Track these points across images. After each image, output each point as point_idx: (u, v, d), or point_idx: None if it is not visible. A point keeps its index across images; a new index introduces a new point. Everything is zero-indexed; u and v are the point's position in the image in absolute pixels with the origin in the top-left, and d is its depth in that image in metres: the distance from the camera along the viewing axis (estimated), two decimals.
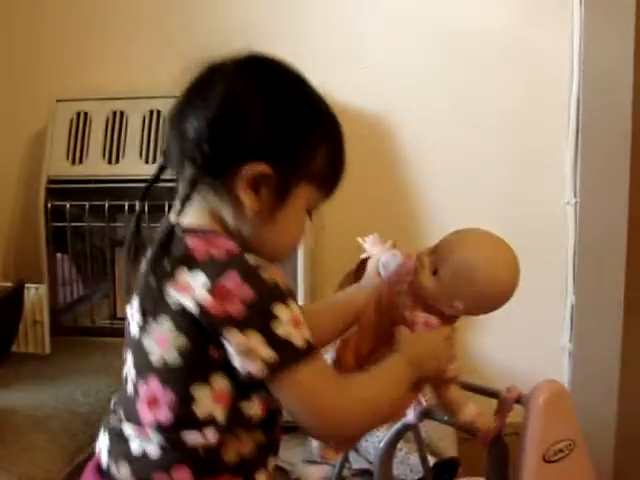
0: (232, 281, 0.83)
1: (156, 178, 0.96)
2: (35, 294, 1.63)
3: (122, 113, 1.86)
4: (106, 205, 1.80)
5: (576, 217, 1.95)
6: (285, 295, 0.86)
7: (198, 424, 0.87)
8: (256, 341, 0.82)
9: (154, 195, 1.79)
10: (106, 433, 0.93)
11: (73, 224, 1.83)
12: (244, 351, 0.83)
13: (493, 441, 1.15)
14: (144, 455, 0.88)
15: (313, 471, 1.60)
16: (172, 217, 0.89)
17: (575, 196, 1.95)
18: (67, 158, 1.85)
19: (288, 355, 0.84)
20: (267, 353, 0.82)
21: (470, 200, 1.99)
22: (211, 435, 0.87)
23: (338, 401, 0.90)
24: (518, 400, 1.14)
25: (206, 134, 0.87)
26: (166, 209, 1.70)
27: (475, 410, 1.09)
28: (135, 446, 0.88)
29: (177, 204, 0.90)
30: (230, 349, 0.83)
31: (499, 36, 1.96)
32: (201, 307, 0.82)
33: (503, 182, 1.99)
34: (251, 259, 0.86)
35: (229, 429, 0.88)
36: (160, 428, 0.87)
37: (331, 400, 0.89)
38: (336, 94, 1.97)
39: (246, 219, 0.89)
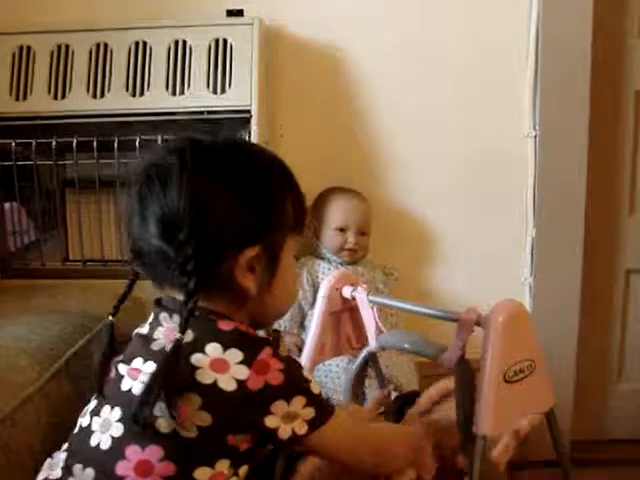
0: (266, 356, 0.87)
1: (128, 292, 1.00)
2: None
3: (67, 47, 1.77)
4: (53, 142, 1.72)
5: (535, 150, 1.93)
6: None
7: None
8: (300, 405, 0.88)
9: (103, 131, 1.73)
10: None
11: (20, 163, 1.75)
12: (291, 418, 0.88)
13: (457, 364, 1.15)
14: None
15: None
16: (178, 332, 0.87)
17: (535, 129, 1.92)
18: (10, 95, 1.76)
19: (325, 409, 0.92)
20: (309, 413, 0.89)
21: (428, 134, 1.96)
22: None
23: (373, 434, 1.06)
24: (478, 322, 1.13)
25: (190, 249, 0.86)
26: (115, 145, 1.67)
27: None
28: None
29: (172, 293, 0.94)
30: (273, 422, 0.87)
31: None
32: (240, 384, 0.85)
33: (461, 115, 1.96)
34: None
35: None
36: None
37: (366, 431, 1.05)
38: (293, 28, 1.95)
39: (249, 299, 0.93)
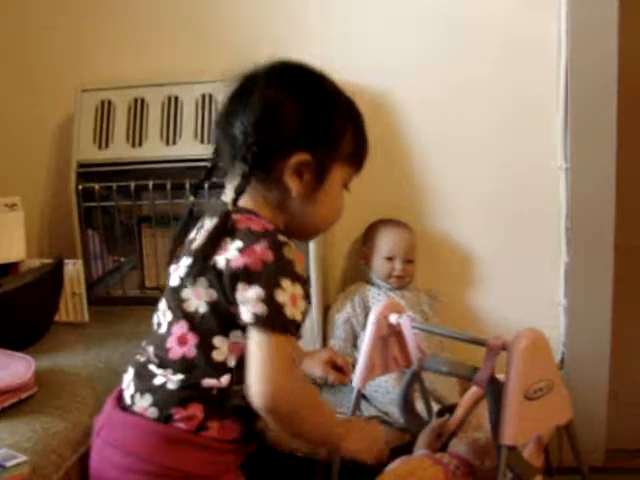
0: (260, 247, 1.01)
1: (208, 176, 1.18)
2: (73, 269, 1.78)
3: (142, 100, 2.00)
4: (132, 185, 1.95)
5: (567, 181, 2.07)
6: (296, 275, 1.02)
7: (216, 369, 1.05)
8: (257, 296, 0.98)
9: (175, 175, 1.94)
10: (133, 368, 1.13)
11: (102, 204, 1.98)
12: (244, 301, 1.00)
13: (489, 384, 1.31)
14: (164, 389, 1.06)
15: None
16: (228, 204, 1.06)
17: (566, 161, 2.06)
18: (94, 143, 1.99)
19: (275, 318, 0.98)
20: (261, 308, 0.98)
21: (468, 168, 2.12)
22: (225, 380, 1.05)
23: (285, 380, 1.00)
24: (504, 347, 1.30)
25: (253, 138, 1.05)
26: (187, 187, 1.87)
27: None
28: (158, 381, 1.07)
29: (230, 193, 1.08)
30: (238, 299, 1.01)
31: (488, 11, 2.07)
32: (227, 262, 1.01)
33: (497, 149, 2.11)
34: (281, 237, 1.04)
35: (239, 377, 1.03)
36: (184, 366, 1.05)
37: (282, 375, 1.00)
38: (341, 74, 2.11)
39: (292, 200, 1.09)
